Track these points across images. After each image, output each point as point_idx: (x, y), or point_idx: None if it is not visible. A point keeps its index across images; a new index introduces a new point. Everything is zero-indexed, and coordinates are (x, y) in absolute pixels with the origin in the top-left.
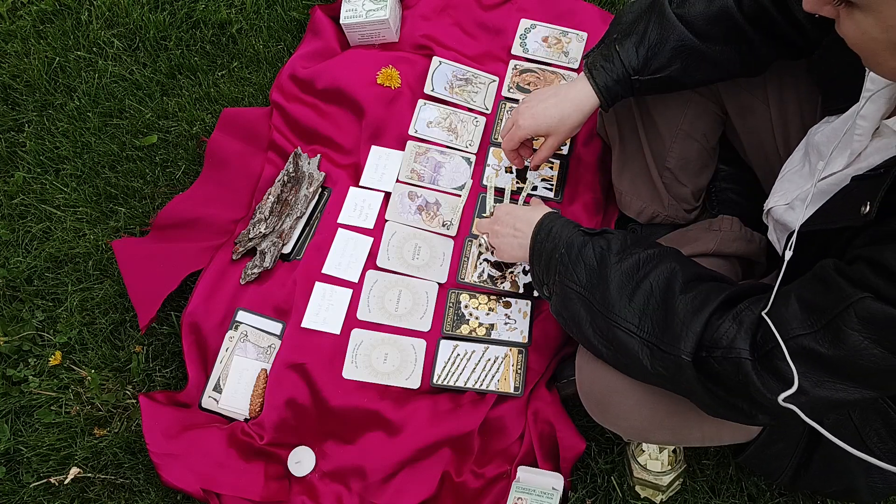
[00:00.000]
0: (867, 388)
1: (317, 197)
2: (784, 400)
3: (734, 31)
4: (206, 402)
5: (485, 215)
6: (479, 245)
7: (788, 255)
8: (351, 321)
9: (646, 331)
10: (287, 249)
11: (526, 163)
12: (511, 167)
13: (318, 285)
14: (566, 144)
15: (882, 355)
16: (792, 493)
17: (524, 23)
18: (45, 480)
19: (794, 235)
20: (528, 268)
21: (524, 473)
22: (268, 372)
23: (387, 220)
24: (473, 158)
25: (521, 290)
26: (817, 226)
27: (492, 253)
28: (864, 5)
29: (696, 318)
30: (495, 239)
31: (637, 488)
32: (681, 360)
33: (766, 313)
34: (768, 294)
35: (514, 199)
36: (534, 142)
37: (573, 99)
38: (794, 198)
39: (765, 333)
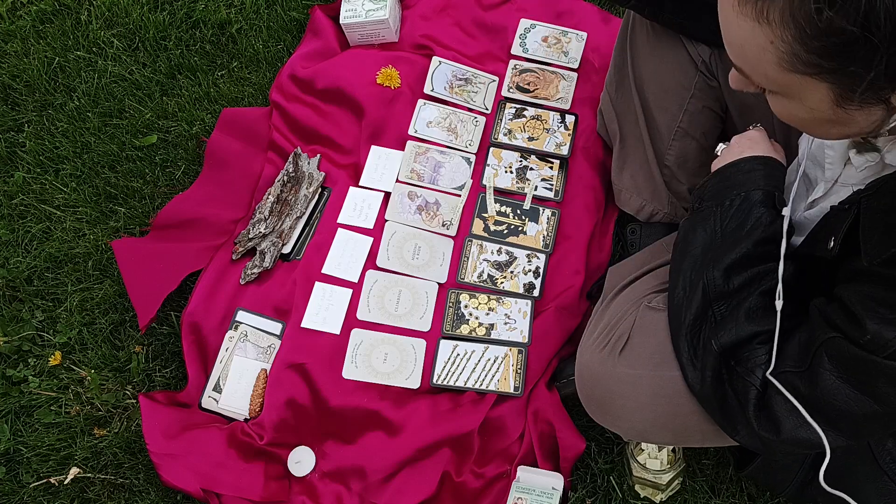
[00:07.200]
0: (838, 434)
1: (317, 197)
2: (761, 430)
3: None
4: (206, 402)
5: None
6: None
7: (779, 304)
8: (351, 321)
9: (716, 303)
10: (287, 249)
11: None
12: (511, 167)
13: (318, 285)
14: (566, 144)
15: (854, 396)
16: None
17: (524, 23)
18: (44, 480)
19: (780, 284)
20: (527, 267)
21: (524, 473)
22: (268, 372)
23: (387, 220)
24: (473, 158)
25: (521, 290)
26: (805, 250)
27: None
28: (785, 94)
29: (744, 327)
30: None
31: (637, 487)
32: (710, 346)
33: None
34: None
35: (507, 198)
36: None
37: None
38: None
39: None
